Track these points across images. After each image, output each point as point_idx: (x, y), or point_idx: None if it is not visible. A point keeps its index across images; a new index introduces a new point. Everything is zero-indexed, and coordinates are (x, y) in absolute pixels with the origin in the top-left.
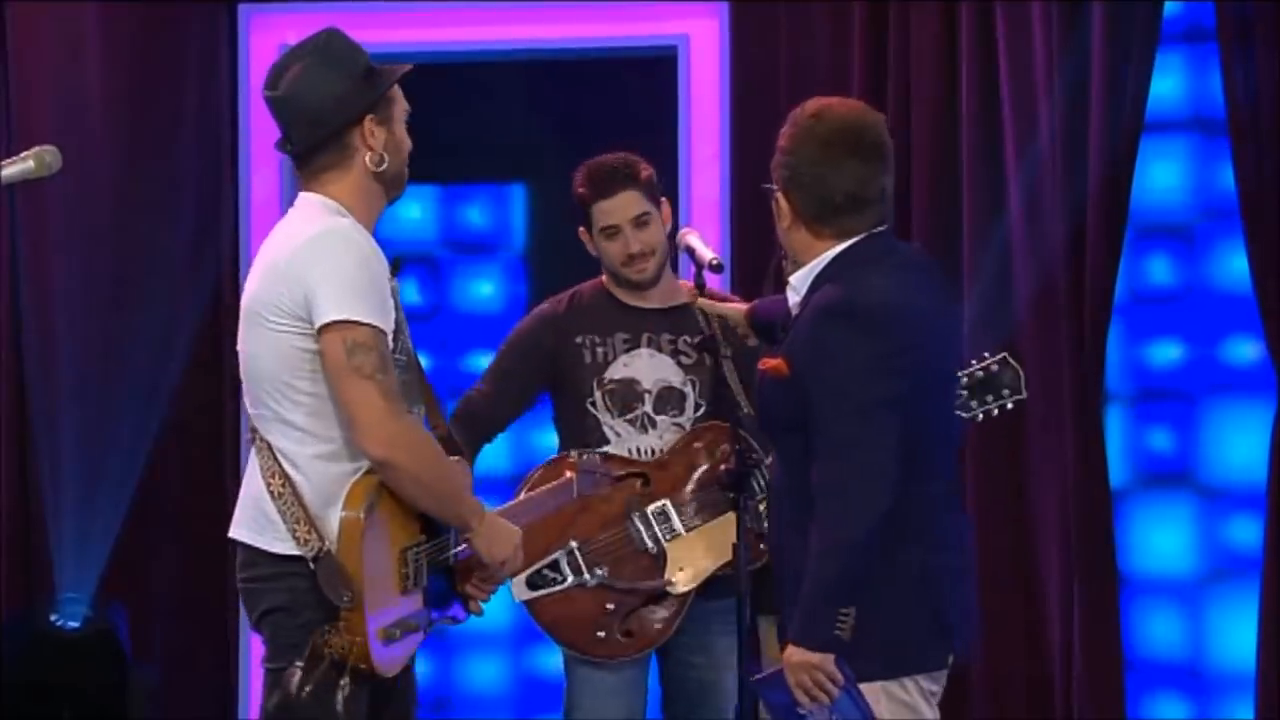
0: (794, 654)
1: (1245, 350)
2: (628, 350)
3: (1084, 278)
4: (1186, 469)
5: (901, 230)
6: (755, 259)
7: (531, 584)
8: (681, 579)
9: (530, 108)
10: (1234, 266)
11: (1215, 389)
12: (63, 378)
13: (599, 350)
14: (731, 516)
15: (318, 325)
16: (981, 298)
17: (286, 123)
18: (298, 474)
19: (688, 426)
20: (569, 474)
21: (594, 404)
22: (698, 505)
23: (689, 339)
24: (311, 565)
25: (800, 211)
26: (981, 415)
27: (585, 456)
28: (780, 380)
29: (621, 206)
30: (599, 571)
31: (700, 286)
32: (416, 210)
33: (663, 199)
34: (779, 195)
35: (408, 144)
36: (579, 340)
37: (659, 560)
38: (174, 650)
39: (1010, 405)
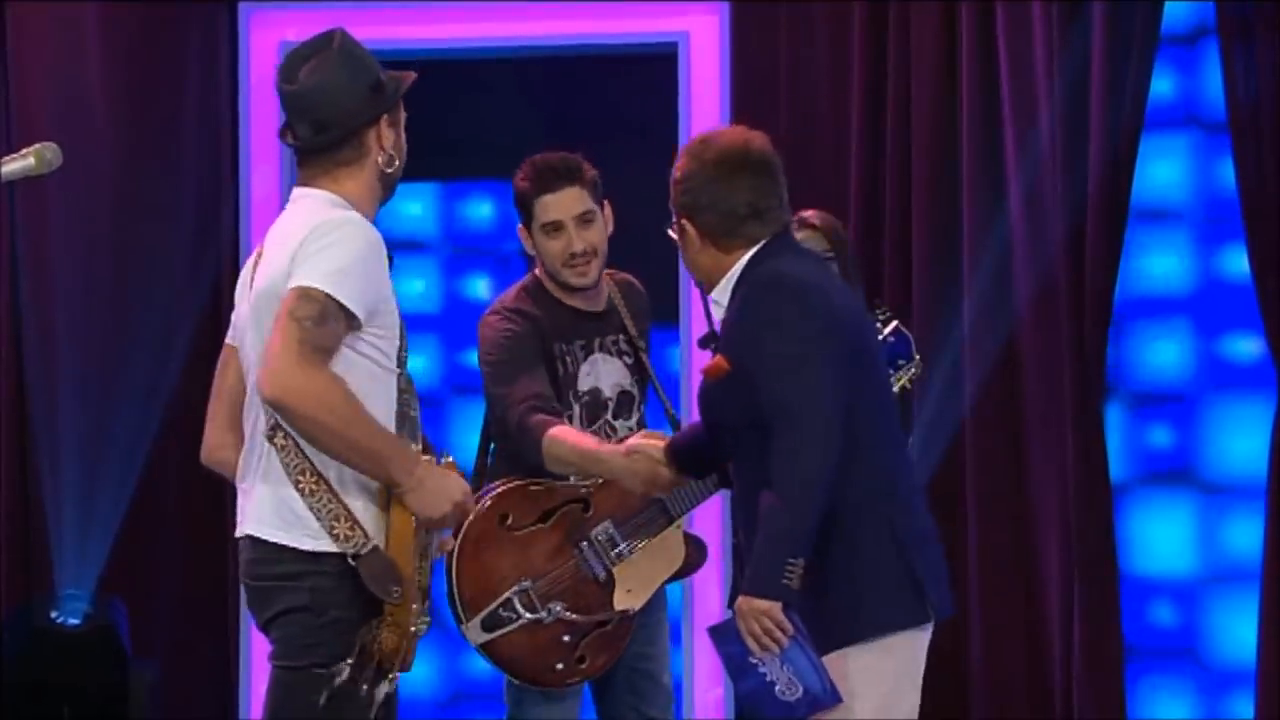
0: (744, 603)
1: (1246, 347)
2: (586, 358)
3: (1084, 276)
4: (1187, 466)
5: (902, 230)
6: None
7: (486, 626)
8: (631, 601)
9: (529, 105)
10: (1234, 264)
11: (1216, 386)
12: (63, 375)
13: (568, 359)
14: (672, 529)
15: (289, 287)
16: (981, 297)
17: (301, 118)
18: (331, 470)
19: (635, 428)
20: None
21: (571, 417)
22: (639, 523)
23: (626, 337)
24: (351, 561)
25: (706, 232)
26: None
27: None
28: (723, 379)
29: (566, 202)
30: (555, 608)
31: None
32: (417, 207)
33: (605, 202)
34: (683, 223)
35: (404, 146)
36: (555, 349)
37: (608, 586)
38: (174, 647)
39: (913, 374)
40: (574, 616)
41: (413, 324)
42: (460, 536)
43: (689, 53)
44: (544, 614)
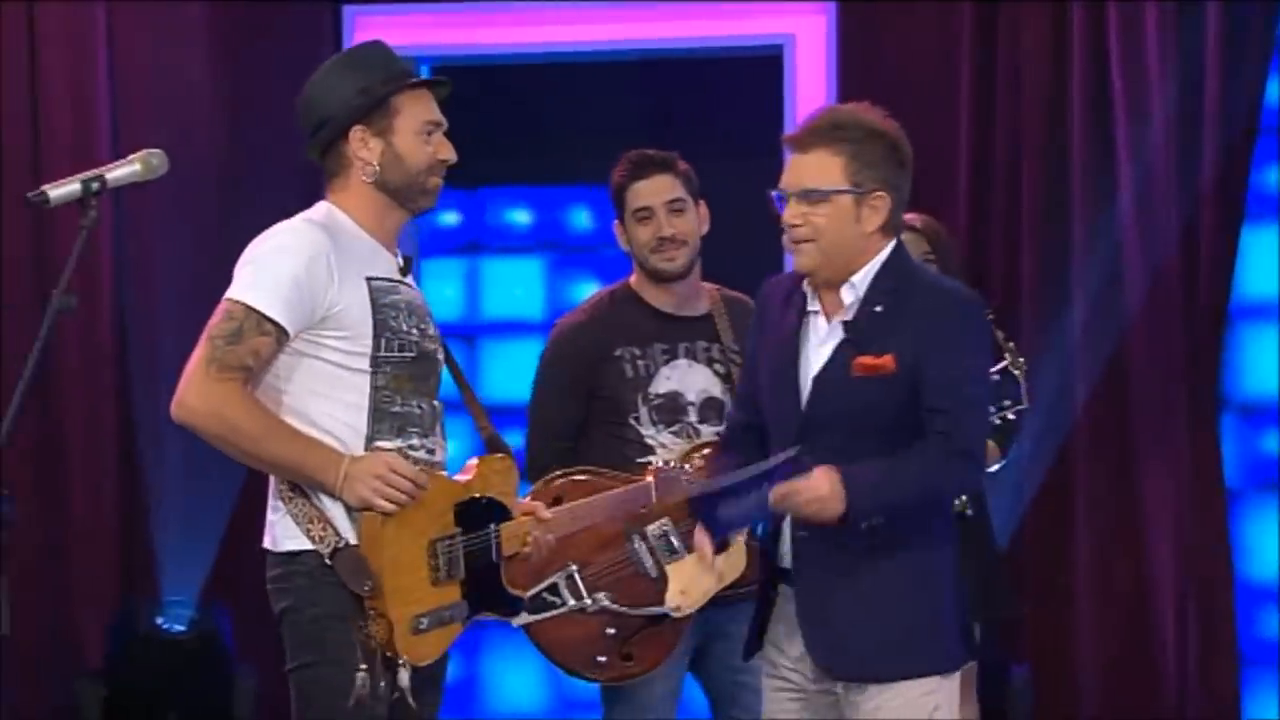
0: (832, 487)
1: None
2: (667, 362)
3: (1198, 280)
4: None
5: (1011, 235)
6: None
7: (530, 608)
8: (684, 603)
9: (631, 109)
10: None
11: None
12: (166, 381)
13: (640, 363)
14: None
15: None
16: (1091, 302)
17: (302, 128)
18: None
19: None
20: (649, 478)
21: (637, 418)
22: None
23: (721, 347)
24: (329, 561)
25: (884, 215)
26: (998, 420)
27: (666, 462)
28: (884, 379)
29: (656, 189)
30: (599, 597)
31: None
32: (522, 214)
33: (701, 201)
34: (878, 197)
35: (425, 156)
36: (618, 353)
37: (660, 583)
38: (279, 653)
39: (1012, 416)
40: (618, 608)
41: (512, 330)
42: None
43: (794, 55)
44: (588, 602)
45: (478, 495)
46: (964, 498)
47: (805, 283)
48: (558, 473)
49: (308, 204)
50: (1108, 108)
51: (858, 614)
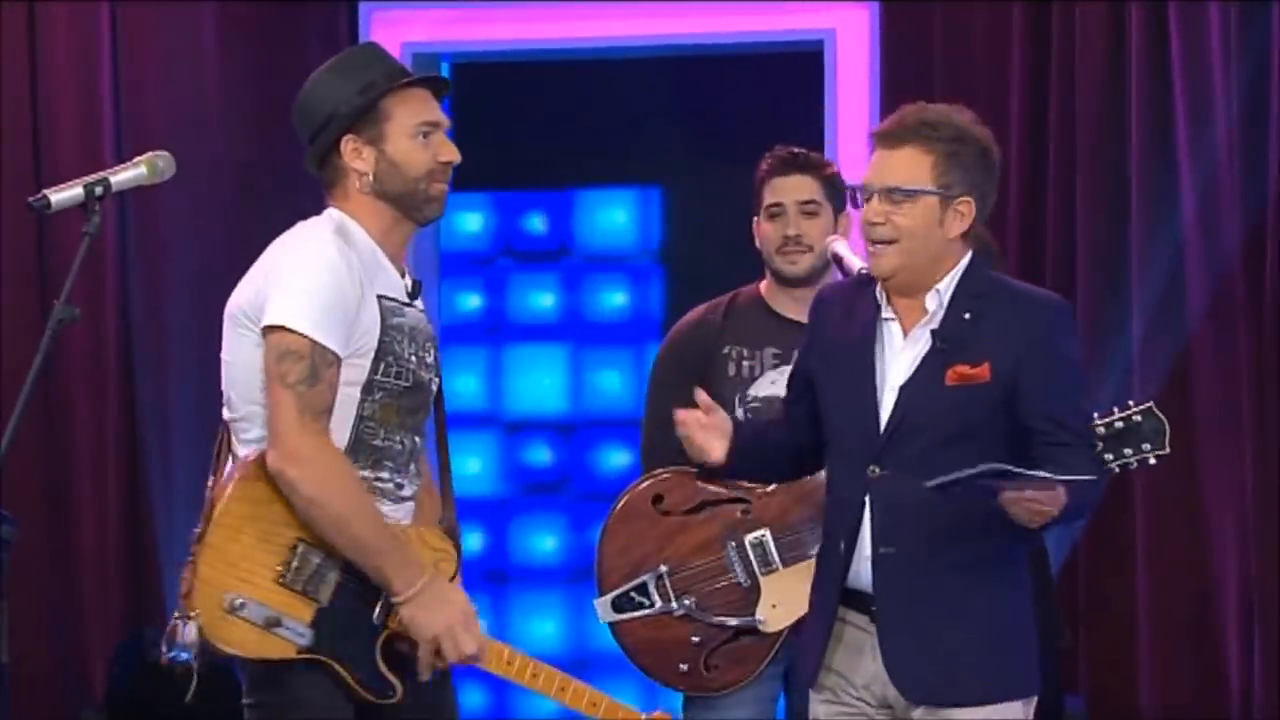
0: (1060, 502)
1: None
2: (776, 366)
3: (1264, 286)
4: None
5: (1066, 241)
6: None
7: (617, 606)
8: (774, 617)
9: (667, 106)
10: None
11: None
12: (175, 407)
13: (745, 364)
14: None
15: (261, 327)
16: (1152, 311)
17: (301, 138)
18: None
19: None
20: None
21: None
22: (800, 539)
23: None
24: None
25: (973, 220)
26: (1118, 469)
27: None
28: (977, 388)
29: (791, 187)
30: (687, 601)
31: None
32: (539, 222)
33: (844, 211)
34: (968, 200)
35: (423, 161)
36: (726, 350)
37: (752, 594)
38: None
39: (1153, 461)
40: (703, 614)
41: (533, 335)
42: (612, 510)
43: (836, 51)
44: (675, 605)
45: None
46: None
47: (878, 289)
48: (664, 470)
49: (323, 208)
50: (1168, 109)
51: (944, 635)
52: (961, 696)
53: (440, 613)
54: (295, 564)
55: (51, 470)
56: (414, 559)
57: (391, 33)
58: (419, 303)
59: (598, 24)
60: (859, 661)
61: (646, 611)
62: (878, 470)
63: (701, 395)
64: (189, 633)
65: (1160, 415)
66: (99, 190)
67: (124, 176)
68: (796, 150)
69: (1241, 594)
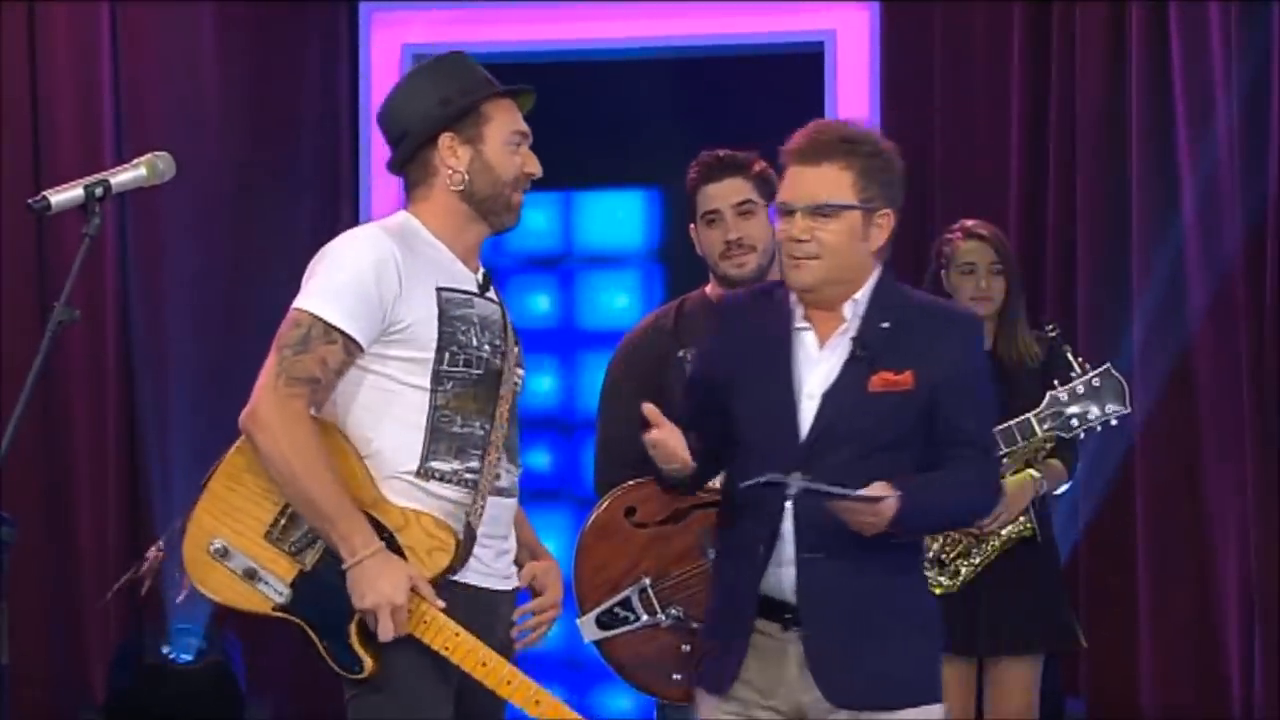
0: (886, 508)
1: None
2: None
3: (1265, 289)
4: None
5: (1066, 242)
6: (905, 269)
7: (601, 623)
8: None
9: (668, 108)
10: None
11: None
12: (175, 404)
13: None
14: None
15: None
16: (1152, 312)
17: (386, 140)
18: None
19: None
20: None
21: None
22: None
23: None
24: None
25: (889, 236)
26: (1083, 433)
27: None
28: (900, 395)
29: (725, 191)
30: (673, 611)
31: None
32: (541, 220)
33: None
34: (886, 215)
35: (513, 167)
36: (680, 354)
37: None
38: (290, 685)
39: (1114, 422)
40: (694, 624)
41: (532, 336)
42: (585, 528)
43: (836, 52)
44: (661, 617)
45: (393, 532)
46: (1031, 521)
47: (791, 299)
48: (629, 483)
49: (323, 209)
50: (1168, 110)
51: (869, 639)
52: (887, 700)
53: (372, 589)
54: (284, 522)
55: (51, 471)
56: (362, 530)
57: (391, 33)
58: (492, 294)
59: (598, 25)
60: (773, 670)
61: (633, 626)
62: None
63: (650, 409)
64: (152, 560)
65: (1118, 375)
66: (99, 191)
67: (124, 178)
68: (723, 153)
69: (1242, 595)
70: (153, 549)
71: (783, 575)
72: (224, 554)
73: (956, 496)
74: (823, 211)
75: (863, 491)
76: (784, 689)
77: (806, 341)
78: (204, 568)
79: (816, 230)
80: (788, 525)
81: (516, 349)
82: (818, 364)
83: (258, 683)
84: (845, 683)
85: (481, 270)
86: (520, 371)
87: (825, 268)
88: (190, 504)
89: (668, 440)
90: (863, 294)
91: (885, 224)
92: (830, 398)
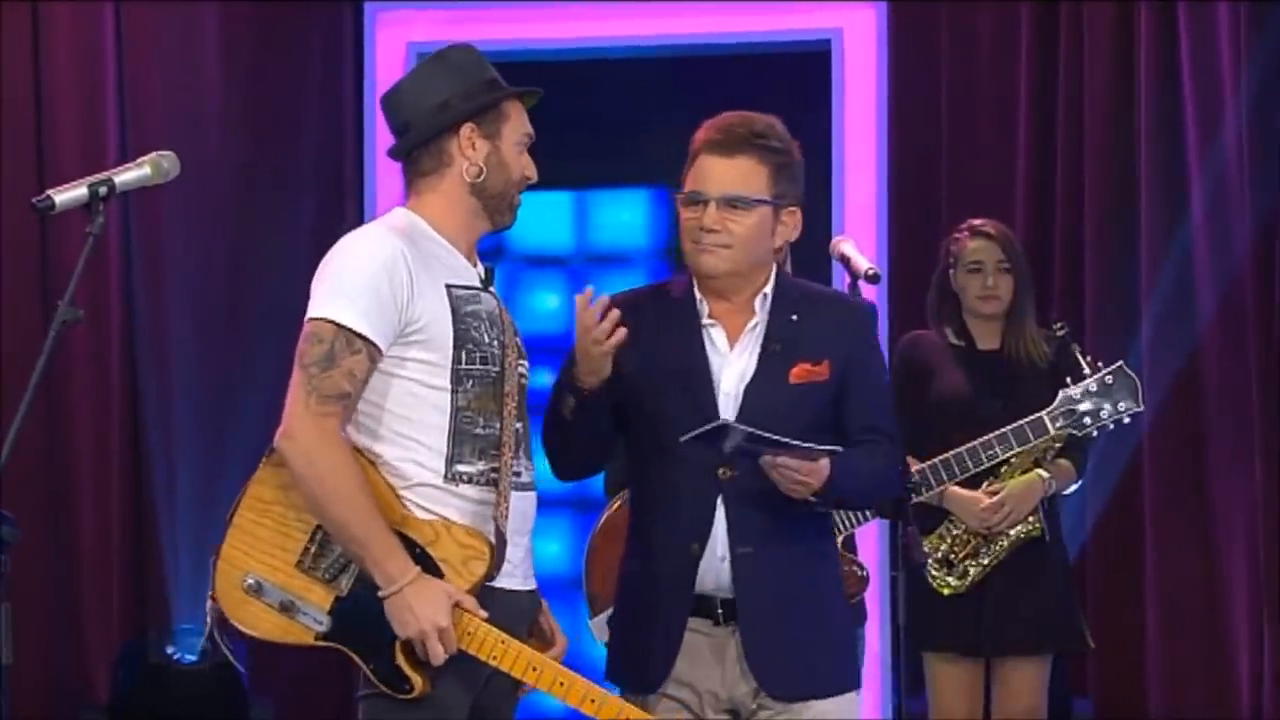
0: (821, 467)
1: None
2: None
3: (1274, 292)
4: None
5: (1073, 244)
6: (914, 269)
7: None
8: None
9: (675, 106)
10: None
11: None
12: (179, 406)
13: None
14: None
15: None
16: (1161, 315)
17: (391, 126)
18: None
19: None
20: None
21: None
22: None
23: None
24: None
25: (792, 232)
26: (1096, 431)
27: None
28: (817, 385)
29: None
30: None
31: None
32: (549, 219)
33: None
34: (794, 213)
35: (520, 168)
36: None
37: None
38: (294, 685)
39: (1127, 420)
40: None
41: (541, 335)
42: (594, 530)
43: (843, 51)
44: None
45: (424, 547)
46: (1040, 521)
47: (697, 297)
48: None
49: (327, 209)
50: (1177, 111)
51: (800, 629)
52: (819, 688)
53: (414, 617)
54: (314, 549)
55: (54, 471)
56: (397, 555)
57: (396, 32)
58: (493, 289)
59: (604, 24)
60: (704, 666)
61: None
62: (729, 472)
63: (605, 300)
64: (209, 612)
65: (1131, 372)
66: (103, 190)
67: (128, 177)
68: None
69: (1251, 596)
70: (208, 603)
71: (719, 570)
72: (258, 590)
73: (873, 475)
74: (736, 203)
75: (802, 443)
76: (717, 683)
77: (715, 337)
78: (240, 605)
79: (728, 221)
80: (719, 521)
81: (517, 340)
82: (731, 359)
83: (262, 683)
84: (781, 674)
85: (483, 266)
86: (524, 364)
87: (733, 258)
88: (218, 540)
89: (609, 343)
90: (769, 288)
91: (790, 221)
92: (752, 391)
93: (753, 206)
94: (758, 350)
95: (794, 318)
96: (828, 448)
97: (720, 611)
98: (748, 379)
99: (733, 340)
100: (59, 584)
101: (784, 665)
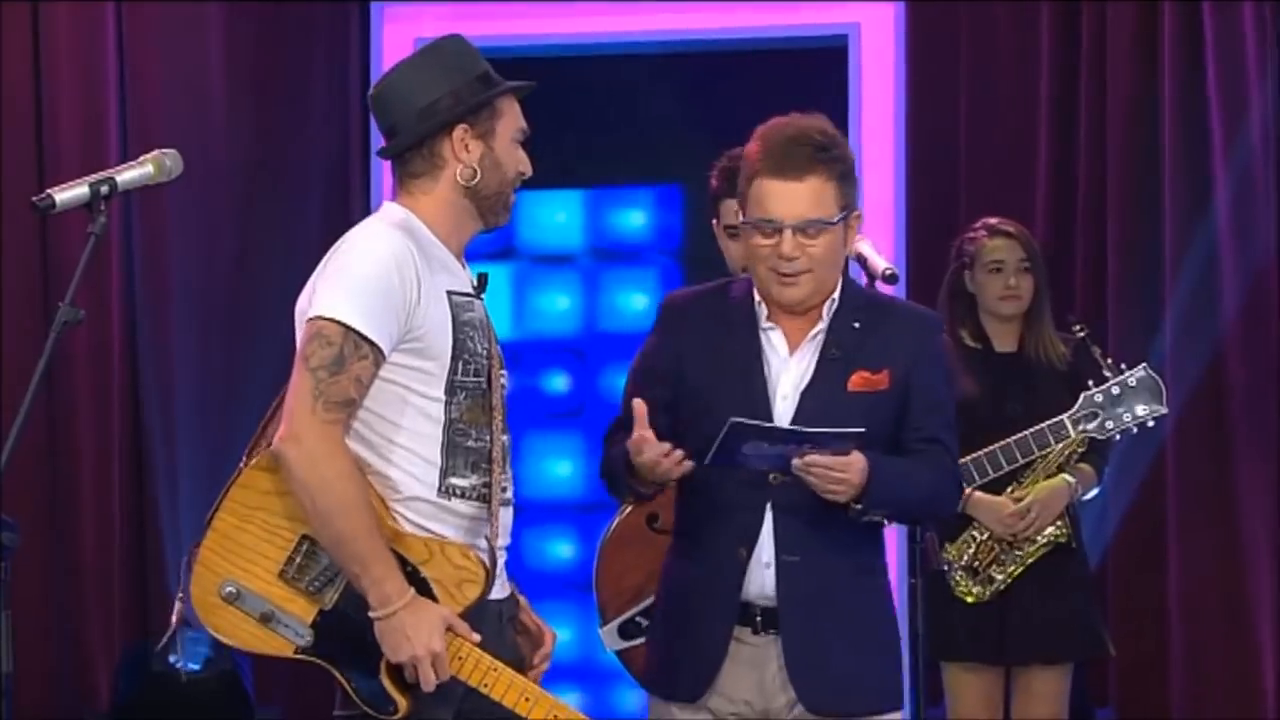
0: (862, 475)
1: None
2: None
3: None
4: None
5: (1095, 242)
6: (932, 268)
7: (624, 633)
8: None
9: (688, 103)
10: None
11: None
12: (181, 409)
13: None
14: None
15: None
16: (1184, 312)
17: (379, 123)
18: None
19: None
20: None
21: None
22: None
23: None
24: None
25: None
26: (1119, 435)
27: None
28: (876, 394)
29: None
30: None
31: None
32: (564, 215)
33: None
34: (858, 214)
35: (515, 165)
36: None
37: None
38: (299, 693)
39: (1151, 423)
40: None
41: (551, 336)
42: (605, 537)
43: (860, 46)
44: None
45: (417, 566)
46: (1066, 527)
47: (757, 299)
48: None
49: (332, 207)
50: (1201, 108)
51: (843, 644)
52: (857, 707)
53: (408, 642)
54: (299, 560)
55: (55, 475)
56: (394, 576)
57: (403, 28)
58: (483, 297)
59: (616, 19)
60: (745, 675)
61: None
62: (780, 477)
63: (639, 404)
64: (176, 613)
65: (1154, 374)
66: (105, 190)
67: (130, 175)
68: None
69: (1276, 602)
70: (176, 603)
71: (762, 576)
72: (236, 597)
73: (927, 484)
74: (812, 228)
75: (818, 430)
76: (751, 693)
77: (775, 341)
78: (216, 612)
79: (806, 246)
80: (767, 528)
81: (498, 349)
82: (790, 363)
83: (267, 692)
84: (820, 687)
85: (475, 272)
86: (504, 374)
87: (815, 280)
88: (195, 542)
89: (654, 448)
90: (837, 293)
91: (855, 225)
92: (809, 397)
93: (827, 227)
94: (817, 356)
95: (856, 325)
96: (853, 430)
97: (760, 619)
98: (804, 384)
99: (793, 345)
100: (60, 590)
101: (823, 678)
